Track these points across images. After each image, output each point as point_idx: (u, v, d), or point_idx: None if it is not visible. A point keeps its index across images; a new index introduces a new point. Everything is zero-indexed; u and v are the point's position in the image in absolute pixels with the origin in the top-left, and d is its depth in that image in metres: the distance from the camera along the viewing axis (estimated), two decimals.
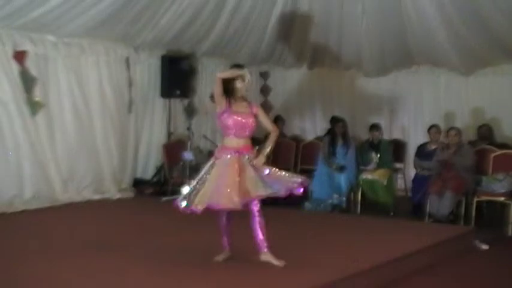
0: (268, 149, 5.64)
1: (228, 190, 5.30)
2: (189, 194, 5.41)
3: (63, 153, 9.01)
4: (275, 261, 5.48)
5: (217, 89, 5.52)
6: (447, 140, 8.80)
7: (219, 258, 5.73)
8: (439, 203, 8.21)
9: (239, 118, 5.54)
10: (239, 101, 5.62)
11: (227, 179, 5.36)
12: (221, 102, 5.54)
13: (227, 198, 5.29)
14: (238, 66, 5.90)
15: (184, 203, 5.38)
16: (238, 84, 5.57)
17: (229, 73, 5.66)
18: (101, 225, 7.58)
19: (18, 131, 8.37)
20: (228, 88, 5.55)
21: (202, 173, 5.51)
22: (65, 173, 9.05)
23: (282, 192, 5.46)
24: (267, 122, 5.76)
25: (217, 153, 5.56)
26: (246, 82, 5.61)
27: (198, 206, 5.32)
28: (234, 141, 5.55)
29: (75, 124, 9.12)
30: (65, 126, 9.03)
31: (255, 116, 5.63)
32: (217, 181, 5.39)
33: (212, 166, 5.51)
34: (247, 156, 5.52)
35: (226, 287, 5.13)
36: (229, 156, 5.48)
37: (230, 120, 5.52)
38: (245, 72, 5.63)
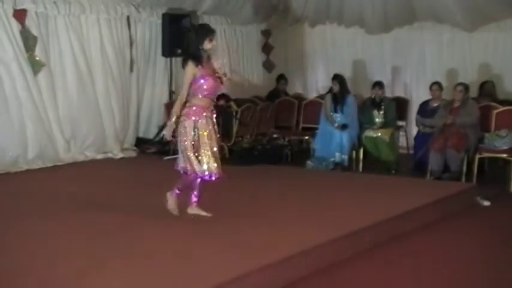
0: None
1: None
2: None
3: (65, 112, 9.00)
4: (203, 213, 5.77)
5: None
6: (453, 95, 8.73)
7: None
8: (443, 161, 8.23)
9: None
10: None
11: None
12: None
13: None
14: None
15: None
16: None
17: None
18: (104, 184, 7.61)
19: (20, 90, 8.35)
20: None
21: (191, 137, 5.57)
22: (68, 132, 9.06)
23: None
24: None
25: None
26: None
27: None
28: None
29: (76, 83, 9.08)
30: (66, 85, 9.00)
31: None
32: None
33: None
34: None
35: (228, 242, 5.13)
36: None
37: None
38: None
